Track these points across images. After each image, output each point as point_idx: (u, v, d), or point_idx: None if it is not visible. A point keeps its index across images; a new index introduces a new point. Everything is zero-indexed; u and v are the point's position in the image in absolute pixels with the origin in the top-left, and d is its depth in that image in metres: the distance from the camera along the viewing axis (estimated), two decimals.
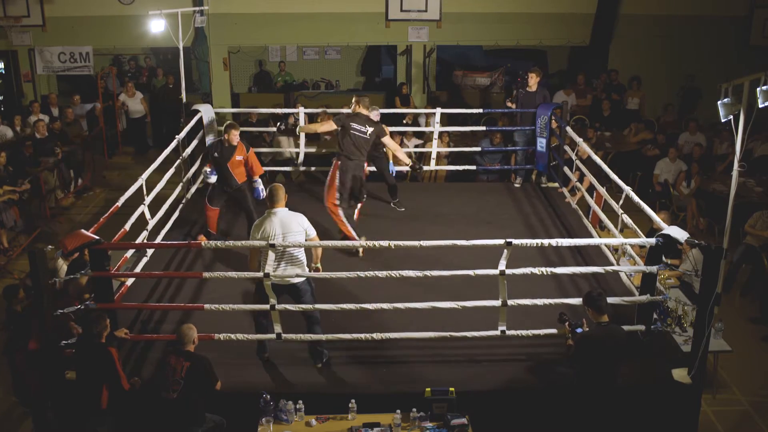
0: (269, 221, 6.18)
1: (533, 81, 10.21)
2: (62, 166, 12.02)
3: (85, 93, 14.33)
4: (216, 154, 8.27)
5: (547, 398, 6.05)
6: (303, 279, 6.21)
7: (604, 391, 5.60)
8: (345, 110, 12.21)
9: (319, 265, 6.58)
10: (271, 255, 6.02)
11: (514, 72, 14.32)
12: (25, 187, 10.53)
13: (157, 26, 10.93)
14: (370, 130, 8.22)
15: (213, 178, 8.31)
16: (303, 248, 6.20)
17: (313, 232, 6.31)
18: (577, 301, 6.25)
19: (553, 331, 6.20)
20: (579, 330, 5.83)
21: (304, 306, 6.18)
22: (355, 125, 8.13)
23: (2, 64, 15.41)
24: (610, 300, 5.86)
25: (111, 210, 7.15)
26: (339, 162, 8.13)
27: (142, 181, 7.74)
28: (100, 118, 14.02)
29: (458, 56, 16.20)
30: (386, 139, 8.65)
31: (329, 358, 6.35)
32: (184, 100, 10.55)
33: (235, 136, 8.26)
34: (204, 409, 5.63)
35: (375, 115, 8.82)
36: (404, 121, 12.95)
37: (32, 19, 14.22)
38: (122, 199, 7.37)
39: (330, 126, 8.21)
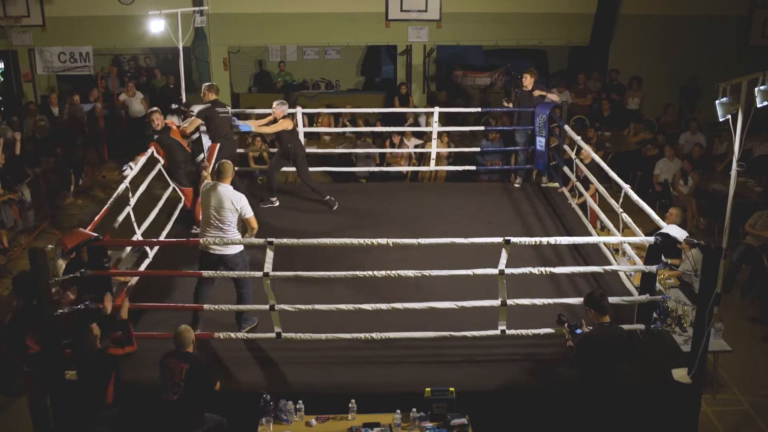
0: (211, 192, 6.57)
1: (528, 81, 10.21)
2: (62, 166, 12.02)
3: (85, 93, 14.32)
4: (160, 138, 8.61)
5: (547, 398, 6.05)
6: (235, 252, 6.54)
7: (605, 390, 5.60)
8: (347, 110, 12.22)
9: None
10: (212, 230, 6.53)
11: (514, 72, 14.32)
12: (24, 188, 10.52)
13: (156, 26, 10.93)
14: (228, 108, 9.10)
15: (127, 172, 8.24)
16: (234, 226, 6.59)
17: (249, 213, 6.63)
18: (576, 300, 6.26)
19: (553, 330, 6.21)
20: (579, 331, 5.82)
21: (302, 306, 6.18)
22: (219, 109, 8.81)
23: (2, 64, 15.41)
24: (609, 300, 5.86)
25: (101, 213, 7.14)
26: (219, 144, 8.63)
27: (125, 184, 7.78)
28: (100, 118, 14.01)
29: (458, 56, 16.19)
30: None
31: (327, 357, 6.36)
32: (184, 100, 10.54)
33: (158, 119, 8.54)
34: (204, 410, 5.63)
35: (283, 109, 9.30)
36: (405, 118, 12.96)
37: (32, 19, 14.19)
38: (109, 202, 7.43)
39: (196, 122, 8.80)
